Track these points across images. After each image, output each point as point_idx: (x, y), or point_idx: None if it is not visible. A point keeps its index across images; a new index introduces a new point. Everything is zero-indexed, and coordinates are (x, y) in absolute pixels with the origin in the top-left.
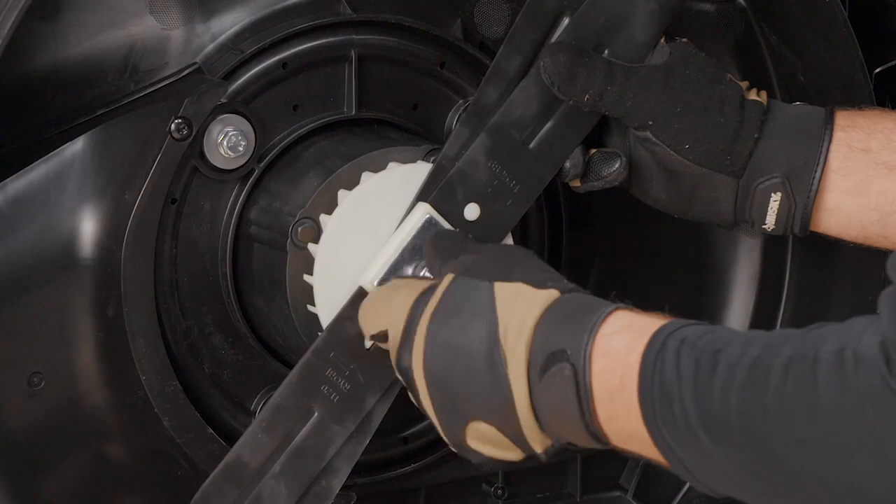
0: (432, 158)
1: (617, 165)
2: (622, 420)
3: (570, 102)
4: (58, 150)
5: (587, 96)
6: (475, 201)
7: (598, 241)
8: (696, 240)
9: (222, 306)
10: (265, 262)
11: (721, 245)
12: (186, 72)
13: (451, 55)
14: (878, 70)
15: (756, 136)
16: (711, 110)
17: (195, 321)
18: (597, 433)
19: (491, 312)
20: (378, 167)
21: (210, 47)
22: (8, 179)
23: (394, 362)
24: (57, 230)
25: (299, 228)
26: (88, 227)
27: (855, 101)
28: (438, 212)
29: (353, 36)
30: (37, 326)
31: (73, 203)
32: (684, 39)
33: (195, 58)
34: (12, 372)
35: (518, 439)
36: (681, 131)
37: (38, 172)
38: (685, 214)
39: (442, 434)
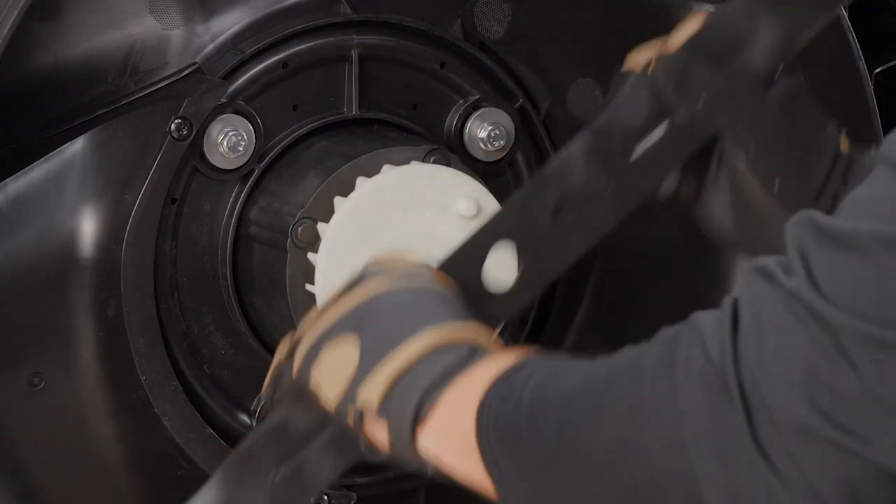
0: (433, 159)
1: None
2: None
3: (681, 111)
4: (58, 150)
5: (699, 104)
6: (564, 201)
7: (598, 242)
8: (697, 241)
9: (222, 306)
10: (265, 263)
11: (722, 246)
12: (186, 72)
13: (451, 55)
14: (878, 70)
15: (837, 191)
16: (807, 160)
17: (195, 321)
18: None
19: None
20: (378, 168)
21: (210, 47)
22: (8, 179)
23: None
24: (57, 230)
25: (299, 228)
26: (88, 227)
27: (855, 102)
28: (526, 202)
29: (353, 36)
30: (37, 326)
31: (73, 203)
32: (802, 78)
33: (195, 58)
34: (12, 372)
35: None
36: (773, 168)
37: (38, 172)
38: (745, 245)
39: None
